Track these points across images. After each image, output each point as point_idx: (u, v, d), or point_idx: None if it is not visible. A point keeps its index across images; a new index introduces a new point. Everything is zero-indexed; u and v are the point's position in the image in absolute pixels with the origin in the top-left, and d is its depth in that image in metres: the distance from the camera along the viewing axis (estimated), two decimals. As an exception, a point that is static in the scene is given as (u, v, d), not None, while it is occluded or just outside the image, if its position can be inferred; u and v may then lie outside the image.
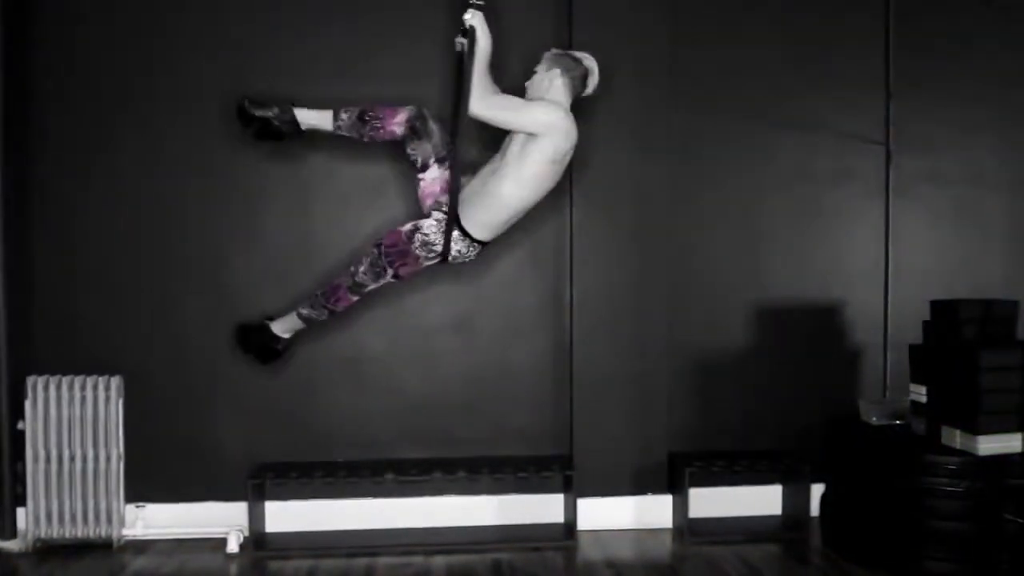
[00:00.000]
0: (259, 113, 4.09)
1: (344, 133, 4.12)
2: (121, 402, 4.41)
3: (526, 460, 4.57)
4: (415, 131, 4.03)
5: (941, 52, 4.87)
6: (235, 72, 4.49)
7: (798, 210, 4.84)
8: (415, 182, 4.11)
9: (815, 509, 4.58)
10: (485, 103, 3.84)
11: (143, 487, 4.50)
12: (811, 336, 4.84)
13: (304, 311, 4.22)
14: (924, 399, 4.14)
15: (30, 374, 4.38)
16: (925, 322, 4.25)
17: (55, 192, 4.48)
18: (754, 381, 4.80)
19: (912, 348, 4.27)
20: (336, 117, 4.09)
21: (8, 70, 4.32)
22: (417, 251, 4.03)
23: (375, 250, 4.06)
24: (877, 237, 4.86)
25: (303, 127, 4.13)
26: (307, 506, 4.59)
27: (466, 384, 4.66)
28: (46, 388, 4.36)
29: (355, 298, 4.18)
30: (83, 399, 4.38)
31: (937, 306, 4.23)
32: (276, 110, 4.08)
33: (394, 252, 4.04)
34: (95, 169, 4.49)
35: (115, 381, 4.40)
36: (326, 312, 4.20)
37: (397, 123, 4.04)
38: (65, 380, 4.37)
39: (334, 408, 4.61)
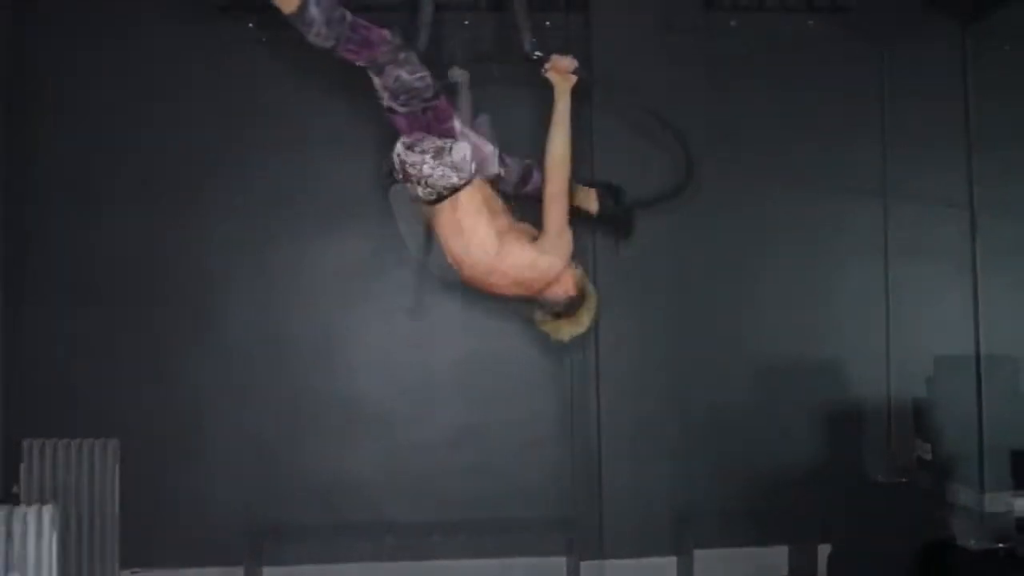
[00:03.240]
0: None
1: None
2: (117, 466, 4.37)
3: (528, 521, 4.51)
4: None
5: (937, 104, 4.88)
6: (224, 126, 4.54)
7: (796, 265, 4.82)
8: None
9: (823, 569, 4.51)
10: None
11: (139, 552, 4.43)
12: (815, 393, 4.77)
13: None
14: (929, 456, 4.10)
15: (25, 437, 4.34)
16: (928, 378, 4.23)
17: (50, 255, 4.48)
18: (759, 439, 4.72)
19: (916, 404, 4.24)
20: None
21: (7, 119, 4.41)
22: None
23: None
24: (878, 293, 4.82)
25: None
26: (306, 570, 4.51)
27: (468, 446, 4.60)
28: (42, 451, 4.32)
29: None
30: (79, 463, 4.34)
31: (941, 362, 4.22)
32: None
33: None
34: (89, 232, 4.50)
35: (111, 445, 4.36)
36: None
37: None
38: (61, 444, 4.33)
39: (333, 471, 4.55)
